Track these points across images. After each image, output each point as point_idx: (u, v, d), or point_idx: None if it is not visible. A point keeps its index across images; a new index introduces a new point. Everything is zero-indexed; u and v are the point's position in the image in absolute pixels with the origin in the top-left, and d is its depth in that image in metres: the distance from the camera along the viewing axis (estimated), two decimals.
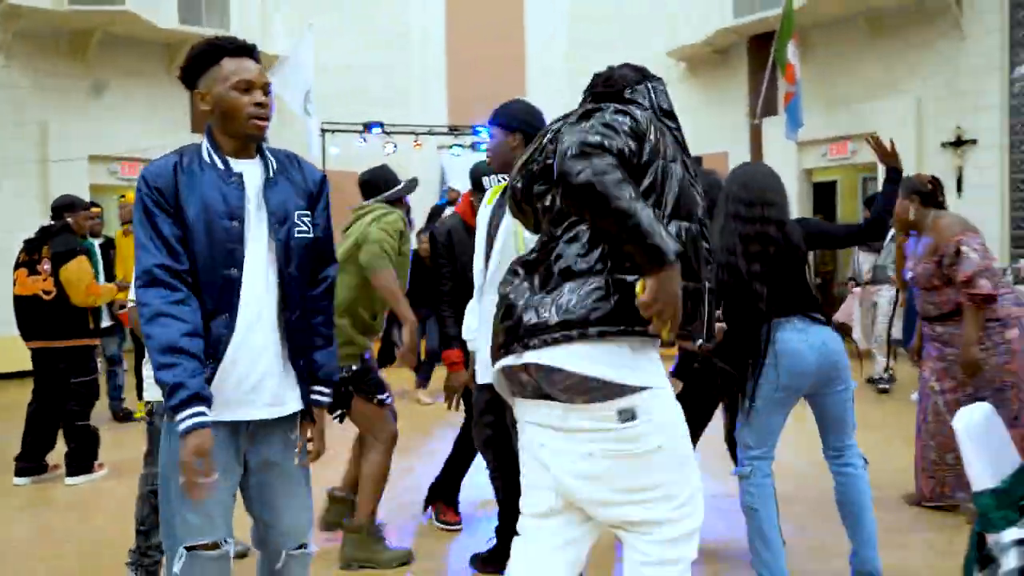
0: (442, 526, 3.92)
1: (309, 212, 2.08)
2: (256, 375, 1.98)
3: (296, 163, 2.15)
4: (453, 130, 12.30)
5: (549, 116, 9.84)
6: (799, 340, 2.83)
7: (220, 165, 2.00)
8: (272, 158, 2.08)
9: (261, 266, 1.99)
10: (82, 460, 4.96)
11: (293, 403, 2.06)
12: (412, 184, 3.97)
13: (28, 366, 5.06)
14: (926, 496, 3.94)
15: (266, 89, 2.01)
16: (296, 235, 2.03)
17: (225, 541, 1.99)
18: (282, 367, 2.03)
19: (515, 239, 2.80)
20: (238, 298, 1.95)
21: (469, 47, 13.30)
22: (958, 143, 9.62)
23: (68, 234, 5.08)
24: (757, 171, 3.11)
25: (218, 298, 1.94)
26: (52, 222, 5.22)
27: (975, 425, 2.02)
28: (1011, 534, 1.84)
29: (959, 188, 9.65)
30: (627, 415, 1.69)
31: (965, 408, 2.11)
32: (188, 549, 1.94)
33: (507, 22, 13.45)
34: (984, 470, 1.96)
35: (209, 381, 1.90)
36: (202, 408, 1.83)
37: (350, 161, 11.20)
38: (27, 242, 5.17)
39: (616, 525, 1.81)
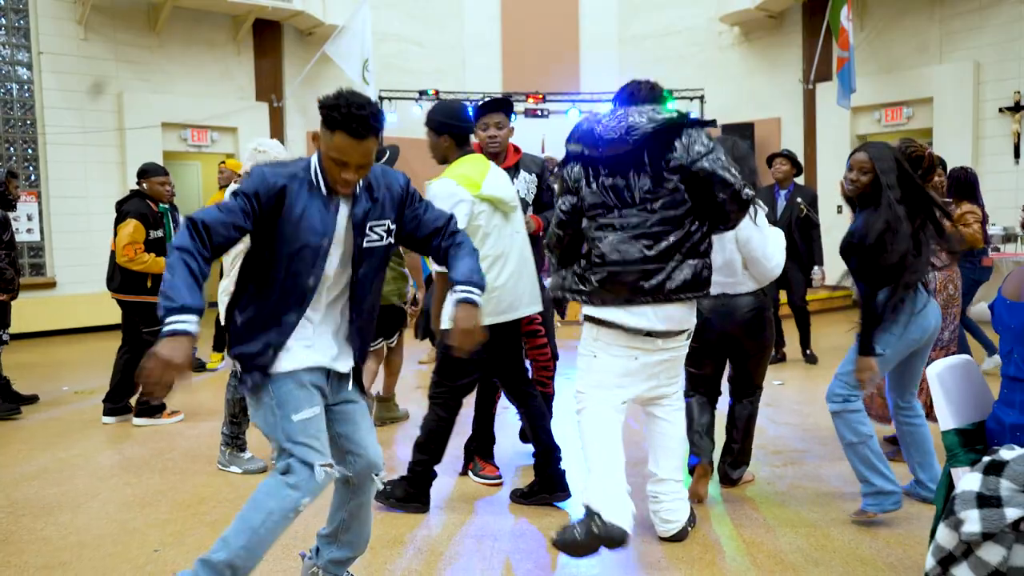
0: (482, 481, 4.06)
1: (386, 221, 2.45)
2: (331, 350, 2.46)
3: (383, 177, 2.48)
4: (507, 97, 12.51)
5: (600, 82, 10.11)
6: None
7: (324, 192, 2.35)
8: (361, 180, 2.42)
9: (341, 267, 2.42)
10: (149, 402, 5.40)
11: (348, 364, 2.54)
12: (392, 153, 4.59)
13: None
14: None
15: (362, 166, 2.30)
16: (366, 244, 2.42)
17: (333, 465, 2.40)
18: (345, 344, 2.50)
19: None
20: (309, 301, 2.38)
21: (523, 14, 13.46)
22: (1016, 108, 9.48)
23: (137, 198, 5.53)
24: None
25: (291, 299, 2.36)
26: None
27: (945, 372, 2.27)
28: (972, 481, 1.99)
29: (1016, 154, 9.54)
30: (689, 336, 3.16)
31: (941, 359, 2.36)
32: (320, 465, 2.33)
33: None
34: (950, 412, 2.21)
35: (276, 351, 2.35)
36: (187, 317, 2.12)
37: (408, 128, 11.57)
38: (115, 204, 5.70)
39: (656, 398, 3.19)
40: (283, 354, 2.36)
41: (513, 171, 3.97)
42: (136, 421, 5.42)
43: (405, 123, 11.65)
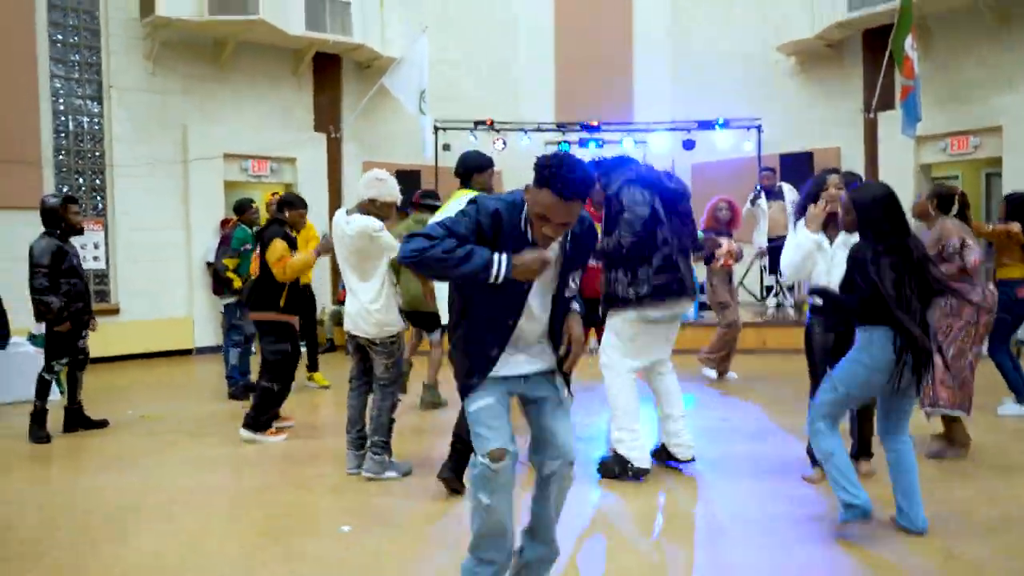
0: None
1: (579, 270, 2.80)
2: (525, 361, 2.78)
3: (585, 230, 2.75)
4: (561, 127, 12.55)
5: (653, 111, 10.60)
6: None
7: (529, 237, 2.59)
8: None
9: (539, 307, 2.73)
10: (257, 417, 5.58)
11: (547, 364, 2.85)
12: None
13: None
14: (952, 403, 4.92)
15: (564, 224, 2.52)
16: (564, 292, 2.75)
17: (512, 451, 2.62)
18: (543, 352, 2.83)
19: None
20: (510, 335, 2.69)
21: (577, 43, 13.51)
22: None
23: (276, 225, 5.74)
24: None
25: (495, 333, 2.68)
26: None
27: None
28: None
29: None
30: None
31: None
32: (487, 455, 2.58)
33: (615, 16, 13.56)
34: None
35: (485, 371, 2.69)
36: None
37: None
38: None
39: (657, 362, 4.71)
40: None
41: None
42: (243, 434, 5.59)
43: (458, 153, 11.68)
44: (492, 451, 2.57)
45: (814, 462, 4.47)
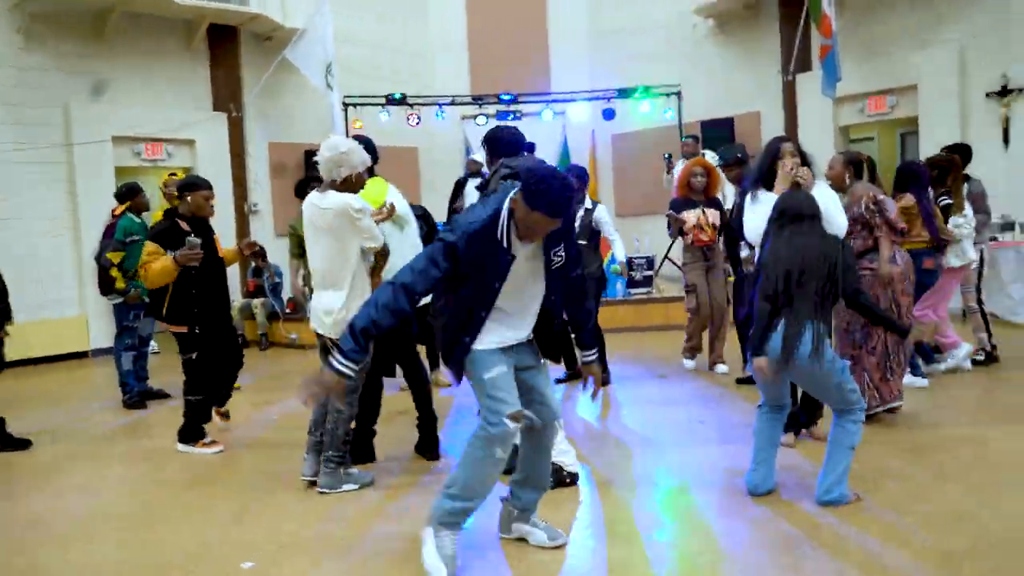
0: None
1: (560, 244, 3.02)
2: (513, 335, 3.09)
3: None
4: (477, 99, 12.07)
5: (572, 81, 9.99)
6: None
7: (506, 244, 2.89)
8: None
9: (524, 280, 3.02)
10: (186, 428, 5.02)
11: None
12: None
13: None
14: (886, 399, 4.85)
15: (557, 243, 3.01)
16: (553, 267, 3.04)
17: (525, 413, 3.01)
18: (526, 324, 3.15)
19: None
20: (494, 299, 2.98)
21: (490, 11, 13.02)
22: (1004, 92, 9.23)
23: (164, 221, 5.07)
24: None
25: (478, 310, 2.97)
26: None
27: None
28: None
29: (1006, 140, 9.28)
30: None
31: None
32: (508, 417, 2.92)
33: None
34: None
35: (476, 332, 2.99)
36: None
37: (374, 135, 11.02)
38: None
39: None
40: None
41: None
42: (179, 447, 5.03)
43: (370, 129, 11.11)
44: (513, 413, 2.93)
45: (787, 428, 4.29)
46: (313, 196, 4.04)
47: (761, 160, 4.36)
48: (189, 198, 4.93)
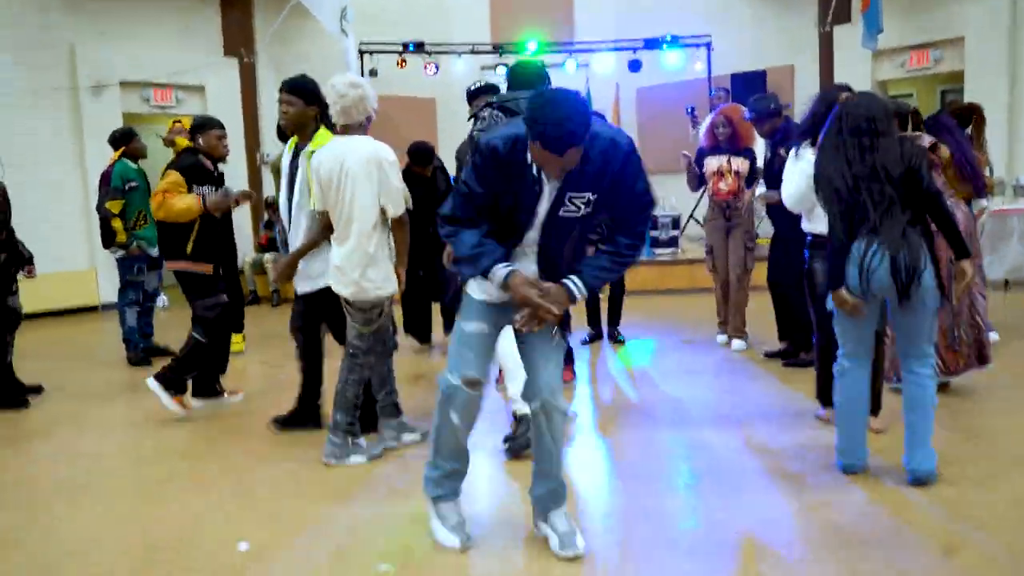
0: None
1: (586, 194, 2.55)
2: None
3: (602, 150, 2.51)
4: (497, 48, 11.60)
5: (597, 30, 9.18)
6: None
7: (535, 171, 2.52)
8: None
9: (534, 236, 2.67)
10: (174, 371, 4.59)
11: None
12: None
13: None
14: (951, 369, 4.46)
15: (565, 168, 2.46)
16: (562, 214, 2.59)
17: (484, 381, 2.76)
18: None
19: (308, 191, 3.77)
20: (518, 241, 2.68)
21: None
22: None
23: (187, 155, 4.76)
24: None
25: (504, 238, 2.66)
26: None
27: None
28: None
29: None
30: None
31: None
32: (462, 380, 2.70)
33: None
34: None
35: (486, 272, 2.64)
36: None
37: (391, 83, 10.66)
38: None
39: None
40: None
41: None
42: (150, 382, 4.60)
43: (387, 78, 10.73)
44: (470, 378, 2.69)
45: (824, 403, 4.08)
46: (338, 140, 3.68)
47: (815, 109, 3.88)
48: (201, 139, 4.67)
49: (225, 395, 4.97)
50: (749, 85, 10.58)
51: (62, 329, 8.58)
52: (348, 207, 3.60)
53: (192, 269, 4.62)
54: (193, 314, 4.68)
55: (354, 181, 3.56)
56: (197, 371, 4.73)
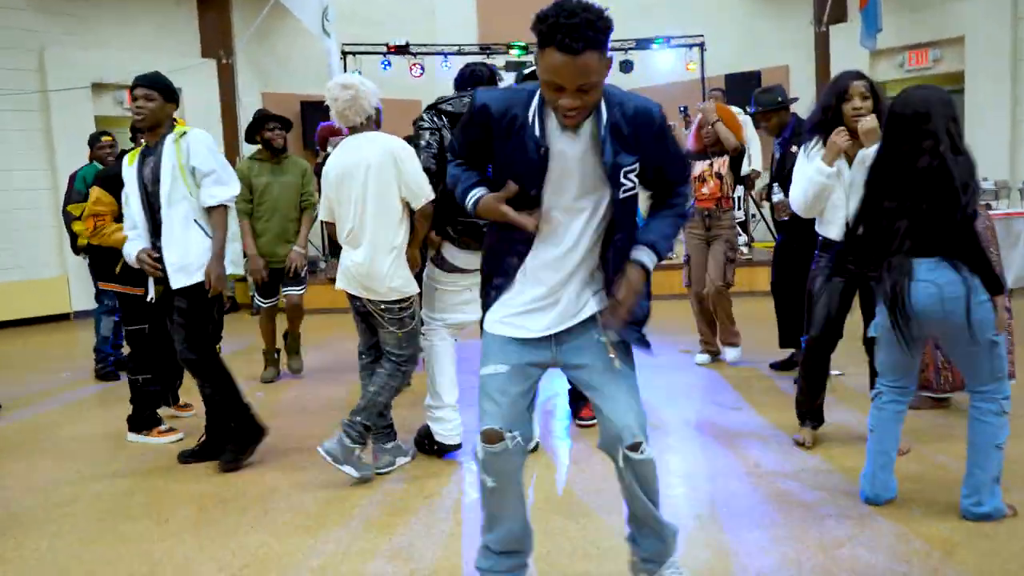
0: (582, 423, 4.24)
1: (637, 166, 2.10)
2: (549, 313, 2.19)
3: (636, 109, 2.09)
4: (484, 49, 11.30)
5: None
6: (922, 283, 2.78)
7: (537, 132, 2.06)
8: (605, 113, 2.06)
9: (567, 230, 2.15)
10: (135, 414, 4.34)
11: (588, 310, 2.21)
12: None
13: None
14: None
15: (585, 89, 1.94)
16: (621, 196, 2.10)
17: (509, 432, 2.15)
18: (583, 285, 2.21)
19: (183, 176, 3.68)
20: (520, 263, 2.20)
21: None
22: None
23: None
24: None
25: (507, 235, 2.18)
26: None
27: None
28: None
29: None
30: None
31: None
32: (481, 436, 2.17)
33: None
34: None
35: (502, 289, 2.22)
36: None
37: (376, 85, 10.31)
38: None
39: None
40: None
41: None
42: (129, 437, 4.36)
43: (371, 80, 10.37)
44: (485, 431, 2.16)
45: (802, 421, 3.82)
46: (348, 141, 3.55)
47: (825, 103, 3.53)
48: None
49: (175, 409, 4.72)
50: (743, 86, 10.32)
51: (32, 338, 8.20)
52: (364, 207, 3.46)
53: (121, 291, 4.29)
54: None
55: (368, 178, 3.43)
56: (155, 404, 4.43)
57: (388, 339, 3.58)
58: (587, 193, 2.12)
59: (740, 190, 9.66)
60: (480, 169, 2.26)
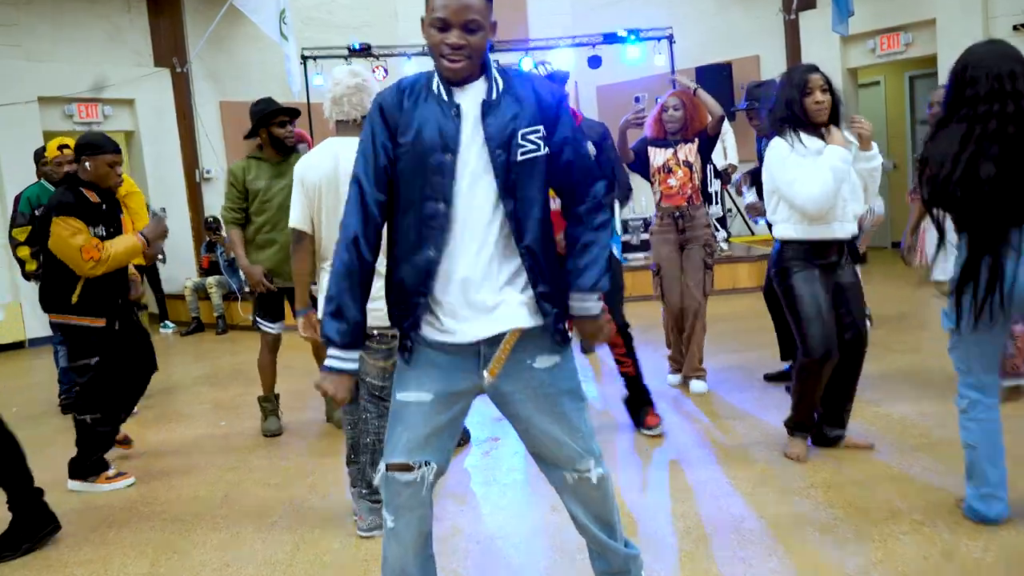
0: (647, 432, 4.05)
1: (541, 128, 1.93)
2: (471, 306, 1.93)
3: (530, 83, 1.97)
4: None
5: (551, 27, 8.62)
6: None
7: (444, 95, 1.92)
8: (499, 79, 1.95)
9: (483, 198, 1.91)
10: (80, 460, 3.91)
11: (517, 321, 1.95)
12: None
13: None
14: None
15: (470, 27, 1.86)
16: (520, 156, 1.90)
17: (423, 464, 1.95)
18: (503, 292, 1.94)
19: None
20: (446, 232, 1.90)
21: None
22: None
23: (62, 191, 3.90)
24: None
25: (420, 231, 1.91)
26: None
27: None
28: None
29: None
30: None
31: None
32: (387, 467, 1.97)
33: None
34: None
35: (418, 313, 1.94)
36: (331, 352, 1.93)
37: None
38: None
39: None
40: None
41: None
42: (71, 485, 3.93)
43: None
44: (392, 463, 1.96)
45: (792, 431, 3.61)
46: (334, 142, 3.11)
47: (788, 95, 3.36)
48: (89, 163, 3.83)
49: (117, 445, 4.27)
50: (714, 77, 10.12)
51: None
52: None
53: (78, 323, 3.85)
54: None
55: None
56: (104, 448, 3.99)
57: (370, 370, 3.08)
58: (492, 179, 1.91)
59: (716, 184, 9.55)
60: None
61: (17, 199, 5.50)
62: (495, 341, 1.92)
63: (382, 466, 1.97)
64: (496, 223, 1.90)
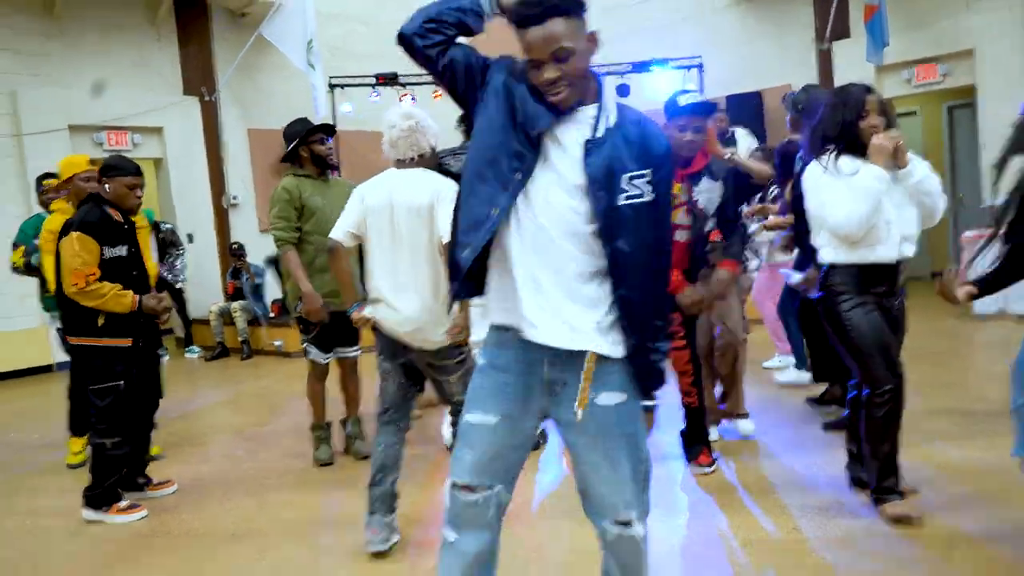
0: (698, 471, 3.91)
1: (645, 171, 1.85)
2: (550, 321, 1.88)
3: (636, 120, 1.91)
4: None
5: None
6: None
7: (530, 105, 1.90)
8: (609, 111, 1.88)
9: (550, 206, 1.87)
10: (95, 488, 3.85)
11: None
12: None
13: None
14: None
15: (560, 57, 1.81)
16: (623, 202, 1.83)
17: (487, 488, 1.94)
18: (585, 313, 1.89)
19: None
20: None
21: None
22: None
23: (91, 204, 3.92)
24: None
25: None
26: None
27: None
28: None
29: None
30: None
31: None
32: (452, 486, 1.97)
33: None
34: None
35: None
36: None
37: (365, 120, 9.98)
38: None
39: None
40: None
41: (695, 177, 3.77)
42: (85, 514, 3.87)
43: (360, 113, 10.07)
44: (458, 482, 1.96)
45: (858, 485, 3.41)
46: (400, 174, 3.24)
47: (845, 116, 3.16)
48: (109, 185, 3.84)
49: (149, 489, 4.18)
50: (744, 107, 9.99)
51: (11, 392, 7.78)
52: (409, 253, 3.17)
53: (106, 345, 3.81)
54: (91, 403, 3.88)
55: (414, 222, 3.14)
56: (119, 473, 3.91)
57: (453, 387, 3.27)
58: (569, 197, 1.88)
59: (744, 207, 9.37)
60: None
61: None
62: (561, 361, 1.88)
63: (448, 480, 1.98)
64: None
